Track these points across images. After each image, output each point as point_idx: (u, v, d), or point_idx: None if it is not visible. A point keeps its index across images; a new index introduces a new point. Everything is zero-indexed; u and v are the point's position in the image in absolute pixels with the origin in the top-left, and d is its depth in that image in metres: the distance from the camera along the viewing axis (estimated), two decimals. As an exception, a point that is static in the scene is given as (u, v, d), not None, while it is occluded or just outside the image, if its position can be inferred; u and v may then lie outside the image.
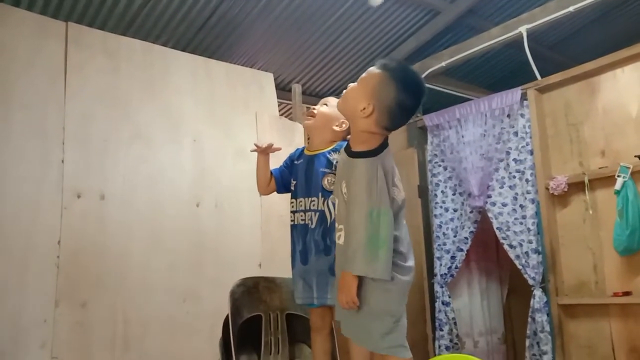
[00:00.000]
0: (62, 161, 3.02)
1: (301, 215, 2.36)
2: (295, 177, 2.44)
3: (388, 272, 1.78)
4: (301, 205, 2.37)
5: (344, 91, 1.98)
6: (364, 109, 1.85)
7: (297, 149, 2.56)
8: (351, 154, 1.89)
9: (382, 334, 1.82)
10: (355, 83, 1.94)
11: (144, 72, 3.47)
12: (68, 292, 2.90)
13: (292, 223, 2.40)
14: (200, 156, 3.58)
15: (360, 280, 1.82)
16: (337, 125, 2.38)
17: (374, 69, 1.89)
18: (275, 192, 2.55)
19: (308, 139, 2.57)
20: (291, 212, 2.41)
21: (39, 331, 2.77)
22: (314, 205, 2.32)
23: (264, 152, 2.47)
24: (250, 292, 2.71)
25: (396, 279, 1.83)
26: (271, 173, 2.50)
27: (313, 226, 2.31)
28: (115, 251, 3.10)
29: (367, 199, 1.78)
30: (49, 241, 2.90)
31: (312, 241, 2.31)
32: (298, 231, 2.37)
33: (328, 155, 2.36)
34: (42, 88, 3.04)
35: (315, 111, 2.44)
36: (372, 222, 1.77)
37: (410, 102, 1.86)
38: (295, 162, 2.47)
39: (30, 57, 3.04)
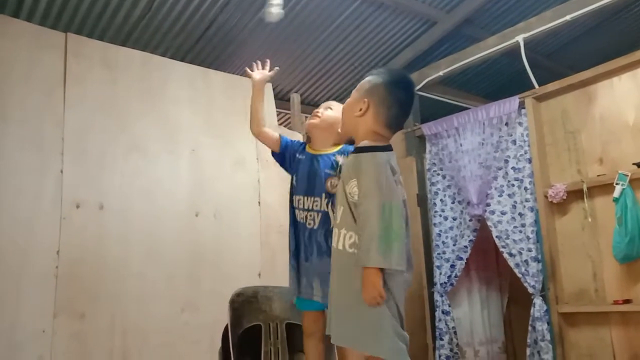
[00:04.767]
0: (61, 171, 3.02)
1: (302, 214, 2.34)
2: (296, 172, 2.41)
3: (403, 263, 1.79)
4: (301, 204, 2.34)
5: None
6: (360, 109, 1.96)
7: (299, 142, 2.52)
8: (359, 149, 1.92)
9: (391, 334, 1.79)
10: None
11: (142, 82, 3.47)
12: (66, 303, 2.88)
13: (293, 218, 2.38)
14: (199, 166, 3.58)
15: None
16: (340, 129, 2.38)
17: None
18: (270, 151, 2.53)
19: (308, 138, 2.55)
20: (292, 208, 2.39)
21: (38, 342, 2.76)
22: (316, 205, 2.30)
23: (261, 78, 2.52)
24: (250, 301, 2.70)
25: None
26: (280, 136, 2.50)
27: (315, 227, 2.29)
28: (113, 262, 3.09)
29: (379, 191, 1.79)
30: (47, 251, 2.89)
31: (313, 242, 2.28)
32: (298, 229, 2.35)
33: (333, 158, 2.34)
34: (41, 99, 3.05)
35: (319, 114, 2.45)
36: (385, 214, 1.77)
37: (402, 92, 1.97)
38: (298, 155, 2.44)
39: (29, 68, 3.05)
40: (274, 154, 2.53)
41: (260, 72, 2.57)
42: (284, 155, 2.48)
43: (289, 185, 2.47)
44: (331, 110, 2.44)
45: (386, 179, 1.82)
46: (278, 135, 2.50)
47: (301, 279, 2.32)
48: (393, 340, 1.79)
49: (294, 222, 2.38)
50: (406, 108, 2.00)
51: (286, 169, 2.50)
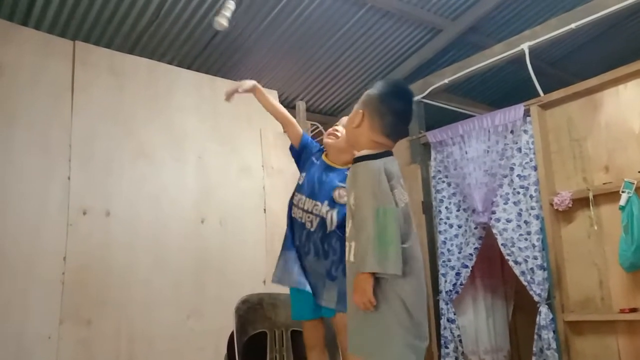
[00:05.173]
0: (69, 178, 3.04)
1: (300, 213, 2.38)
2: (307, 173, 2.45)
3: (399, 267, 1.78)
4: (302, 204, 2.38)
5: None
6: (356, 120, 1.98)
7: (318, 145, 2.56)
8: (355, 160, 1.96)
9: (399, 344, 1.79)
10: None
11: (149, 90, 3.50)
12: (73, 309, 2.90)
13: (292, 215, 2.42)
14: (205, 173, 3.59)
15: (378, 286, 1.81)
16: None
17: None
18: (289, 145, 2.59)
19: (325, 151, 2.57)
20: (292, 203, 2.43)
21: (43, 348, 2.77)
22: (316, 209, 2.34)
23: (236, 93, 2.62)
24: (255, 308, 2.71)
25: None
26: (303, 133, 2.56)
27: (313, 229, 2.34)
28: (120, 268, 3.10)
29: (372, 198, 1.82)
30: (54, 258, 2.91)
31: (311, 243, 2.34)
32: (296, 227, 2.40)
33: (346, 173, 2.37)
34: (49, 106, 3.08)
35: (338, 133, 2.46)
36: (379, 220, 1.79)
37: (395, 101, 1.97)
38: (314, 159, 2.48)
39: (37, 75, 3.08)
40: (291, 148, 2.58)
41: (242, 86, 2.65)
42: (300, 154, 2.53)
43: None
44: None
45: (379, 185, 1.83)
46: (301, 132, 2.56)
47: (284, 264, 2.40)
48: (401, 351, 1.79)
49: (292, 219, 2.43)
50: (402, 116, 2.00)
51: (298, 166, 2.55)
